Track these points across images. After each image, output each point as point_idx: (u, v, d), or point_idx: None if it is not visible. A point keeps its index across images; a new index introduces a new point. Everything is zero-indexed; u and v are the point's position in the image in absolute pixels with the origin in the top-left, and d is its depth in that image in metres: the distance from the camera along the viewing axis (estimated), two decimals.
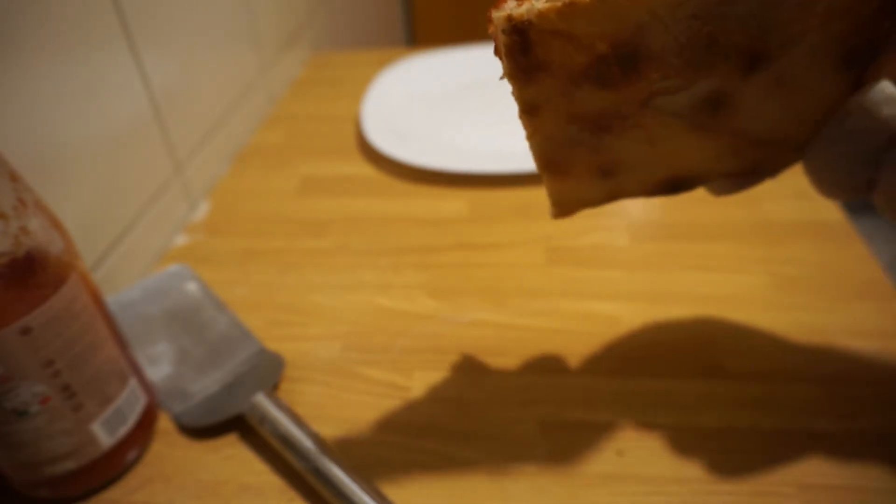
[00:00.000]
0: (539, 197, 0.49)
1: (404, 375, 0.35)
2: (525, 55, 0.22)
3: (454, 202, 0.49)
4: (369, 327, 0.39)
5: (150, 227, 0.45)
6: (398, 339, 0.38)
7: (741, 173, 0.26)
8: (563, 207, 0.29)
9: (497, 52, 0.22)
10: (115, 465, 0.30)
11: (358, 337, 0.38)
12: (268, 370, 0.35)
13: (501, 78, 0.23)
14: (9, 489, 0.30)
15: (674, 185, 0.27)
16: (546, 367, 0.35)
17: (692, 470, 0.29)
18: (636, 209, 0.47)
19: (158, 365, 0.36)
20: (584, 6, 0.20)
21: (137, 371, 0.32)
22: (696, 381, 0.33)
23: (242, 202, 0.51)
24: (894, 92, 0.20)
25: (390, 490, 0.29)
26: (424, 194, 0.50)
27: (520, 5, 0.21)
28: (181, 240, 0.47)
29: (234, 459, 0.32)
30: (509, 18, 0.21)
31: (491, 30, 0.22)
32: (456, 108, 0.62)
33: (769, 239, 0.42)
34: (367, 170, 0.54)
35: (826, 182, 0.23)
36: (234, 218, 0.49)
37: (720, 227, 0.43)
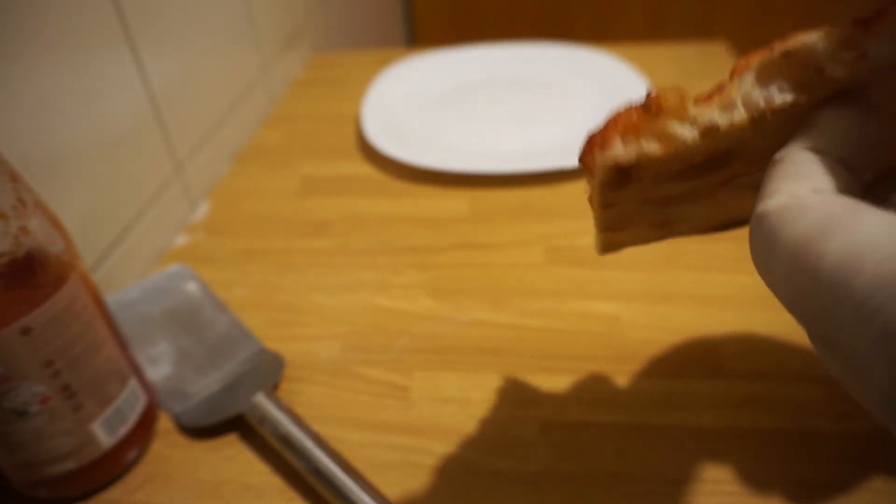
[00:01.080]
0: (539, 197, 0.49)
1: (404, 375, 0.35)
2: (621, 184, 0.20)
3: (454, 202, 0.49)
4: (369, 327, 0.39)
5: (150, 227, 0.45)
6: (398, 339, 0.38)
7: None
8: (610, 248, 0.28)
9: (584, 168, 0.21)
10: (115, 465, 0.30)
11: (358, 337, 0.38)
12: (268, 370, 0.35)
13: (587, 194, 0.22)
14: (9, 489, 0.30)
15: (726, 226, 0.27)
16: (546, 367, 0.35)
17: (692, 470, 0.29)
18: None
19: (158, 365, 0.36)
20: (694, 145, 0.18)
21: (137, 371, 0.32)
22: (696, 381, 0.33)
23: (242, 202, 0.51)
24: None
25: (390, 490, 0.29)
26: (424, 194, 0.50)
27: (627, 147, 0.19)
28: (181, 240, 0.47)
29: (234, 459, 0.32)
30: (617, 164, 0.19)
31: (586, 160, 0.20)
32: (456, 108, 0.62)
33: None
34: (367, 170, 0.54)
35: None
36: (234, 218, 0.49)
37: None
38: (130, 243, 0.43)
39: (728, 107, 0.18)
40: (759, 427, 0.31)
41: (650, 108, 0.18)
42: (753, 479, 0.29)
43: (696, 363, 0.34)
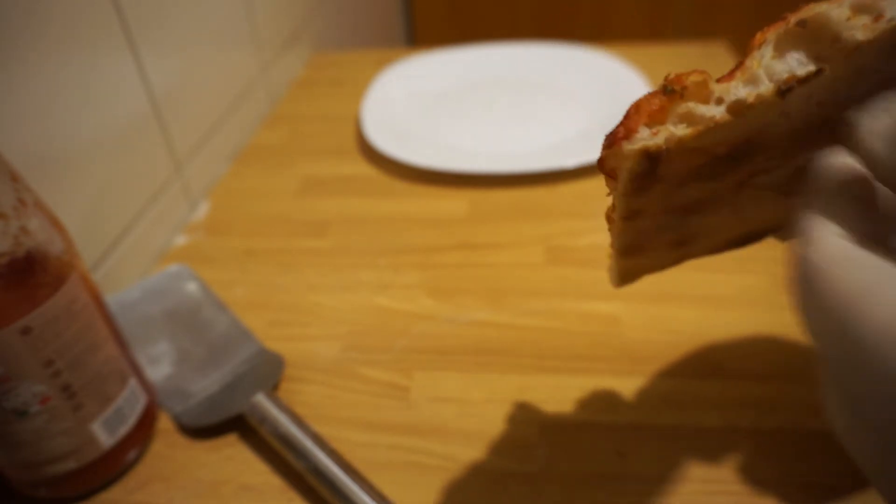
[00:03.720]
0: (539, 197, 0.49)
1: (404, 375, 0.35)
2: (649, 177, 0.19)
3: (454, 202, 0.49)
4: (369, 327, 0.39)
5: (150, 227, 0.45)
6: (398, 339, 0.38)
7: None
8: (627, 279, 0.28)
9: (603, 170, 0.20)
10: (115, 465, 0.30)
11: (358, 337, 0.38)
12: (268, 370, 0.35)
13: (608, 195, 0.21)
14: (9, 489, 0.30)
15: (743, 241, 0.27)
16: (546, 367, 0.35)
17: (692, 470, 0.29)
18: None
19: (158, 365, 0.36)
20: (726, 123, 0.18)
21: (137, 371, 0.32)
22: (696, 381, 0.33)
23: (242, 202, 0.51)
24: None
25: (390, 490, 0.29)
26: (424, 194, 0.50)
27: (654, 134, 0.18)
28: (181, 240, 0.47)
29: (234, 459, 0.32)
30: (646, 152, 0.18)
31: (608, 161, 0.19)
32: (456, 108, 0.62)
33: (769, 239, 0.42)
34: (367, 170, 0.54)
35: None
36: (234, 218, 0.49)
37: None
38: (130, 243, 0.43)
39: (752, 80, 0.17)
40: (759, 427, 0.31)
41: (674, 91, 0.18)
42: (753, 479, 0.29)
43: (696, 363, 0.34)
